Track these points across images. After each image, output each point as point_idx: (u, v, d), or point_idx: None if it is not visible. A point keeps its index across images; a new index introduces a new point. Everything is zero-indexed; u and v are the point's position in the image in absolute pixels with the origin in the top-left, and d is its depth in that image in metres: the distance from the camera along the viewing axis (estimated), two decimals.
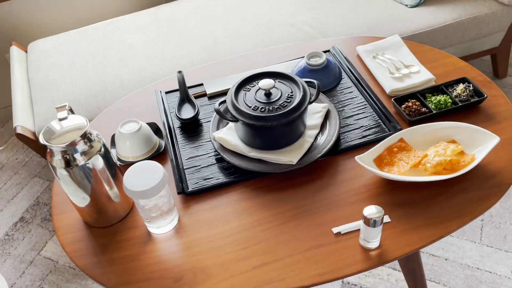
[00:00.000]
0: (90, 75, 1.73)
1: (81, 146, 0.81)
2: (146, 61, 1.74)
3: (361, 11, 1.79)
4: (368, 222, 0.79)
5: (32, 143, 1.60)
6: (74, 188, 0.85)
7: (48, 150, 0.82)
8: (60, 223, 0.95)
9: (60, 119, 0.82)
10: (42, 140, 0.79)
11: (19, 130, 1.56)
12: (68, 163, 0.81)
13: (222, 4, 1.97)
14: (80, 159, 0.81)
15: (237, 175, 0.98)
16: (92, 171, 0.84)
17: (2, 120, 2.36)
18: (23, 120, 1.62)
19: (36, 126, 1.62)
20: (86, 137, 0.82)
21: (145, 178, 0.82)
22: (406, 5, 1.80)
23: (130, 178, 0.83)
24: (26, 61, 1.93)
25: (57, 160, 0.81)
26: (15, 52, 1.94)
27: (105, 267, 0.87)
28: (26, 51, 1.99)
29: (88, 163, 0.82)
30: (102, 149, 0.85)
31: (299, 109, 0.94)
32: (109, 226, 0.93)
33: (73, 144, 0.80)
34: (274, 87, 0.96)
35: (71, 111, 0.87)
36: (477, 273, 1.51)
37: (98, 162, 0.84)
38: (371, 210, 0.79)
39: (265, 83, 0.95)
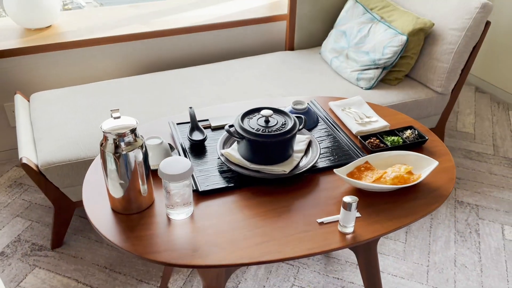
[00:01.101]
0: (92, 122, 1.96)
1: (129, 138, 1.04)
2: (144, 115, 2.00)
3: (326, 89, 2.19)
4: (346, 206, 1.04)
5: (35, 174, 1.76)
6: (116, 176, 1.06)
7: (102, 138, 1.05)
8: (92, 212, 1.13)
9: (115, 118, 1.06)
10: (101, 127, 1.02)
11: (24, 161, 1.72)
12: (117, 150, 1.03)
13: (207, 77, 2.32)
14: (126, 148, 1.04)
15: (240, 182, 1.22)
16: (134, 163, 1.06)
17: None
18: (28, 153, 1.79)
19: (39, 160, 1.79)
20: (134, 132, 1.05)
21: (176, 167, 1.05)
22: (362, 87, 2.22)
23: (165, 166, 1.05)
24: (29, 108, 2.14)
25: (109, 145, 1.03)
26: (19, 99, 2.14)
27: (133, 241, 1.05)
28: (28, 101, 2.21)
29: (132, 153, 1.05)
30: (144, 146, 1.08)
31: (291, 132, 1.23)
32: (133, 214, 1.13)
33: (124, 135, 1.03)
34: (271, 116, 1.25)
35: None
36: None
37: (139, 155, 1.06)
38: (348, 198, 1.05)
39: (266, 112, 1.25)
